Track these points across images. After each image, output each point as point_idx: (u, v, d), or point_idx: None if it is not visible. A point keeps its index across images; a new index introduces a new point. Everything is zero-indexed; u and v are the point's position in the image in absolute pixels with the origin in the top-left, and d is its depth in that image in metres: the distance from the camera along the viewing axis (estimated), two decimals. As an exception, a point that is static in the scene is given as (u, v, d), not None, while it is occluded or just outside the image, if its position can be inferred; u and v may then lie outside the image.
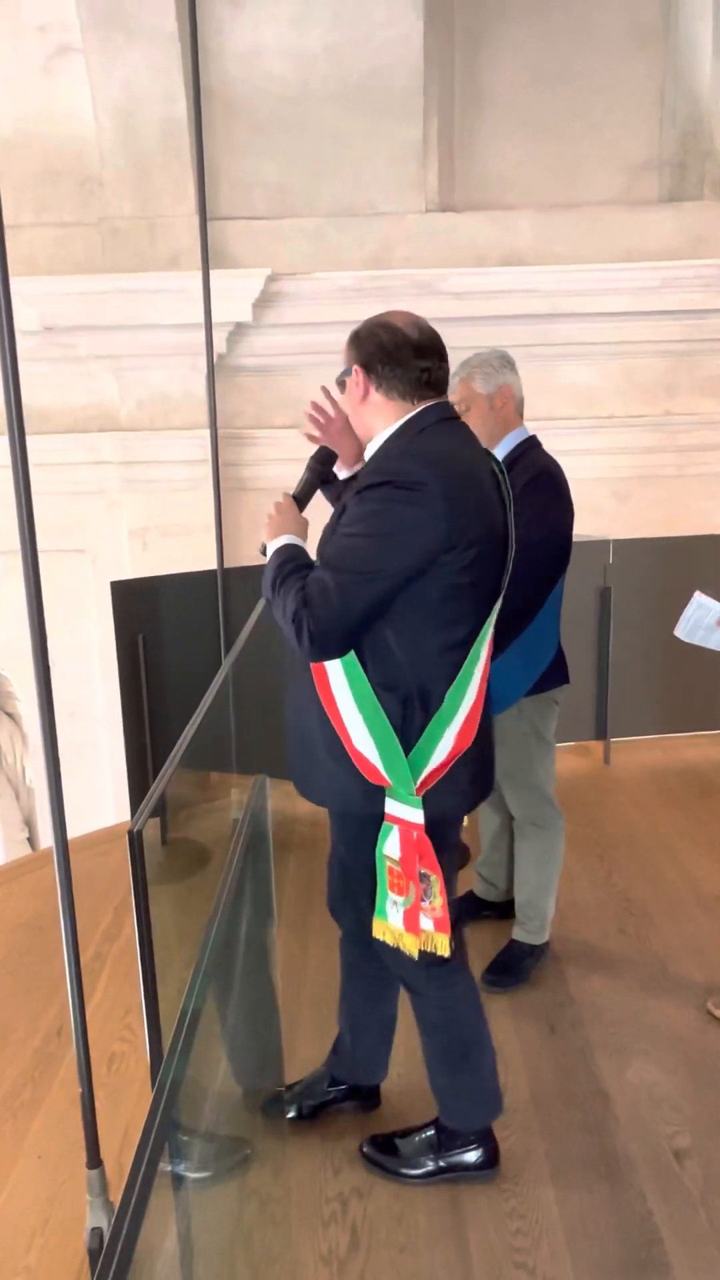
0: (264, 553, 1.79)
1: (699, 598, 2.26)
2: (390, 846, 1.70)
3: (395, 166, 4.44)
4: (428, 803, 1.69)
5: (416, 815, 1.67)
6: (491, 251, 4.53)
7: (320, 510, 1.87)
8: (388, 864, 1.73)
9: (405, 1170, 2.02)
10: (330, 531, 1.77)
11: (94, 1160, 1.79)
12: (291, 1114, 2.14)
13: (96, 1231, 1.66)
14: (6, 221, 1.51)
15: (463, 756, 1.73)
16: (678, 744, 4.28)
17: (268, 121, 4.38)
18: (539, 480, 2.36)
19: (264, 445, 4.58)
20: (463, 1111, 2.00)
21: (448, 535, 1.60)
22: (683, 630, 2.29)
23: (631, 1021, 2.50)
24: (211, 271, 3.59)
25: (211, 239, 4.04)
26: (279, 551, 1.74)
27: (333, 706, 1.70)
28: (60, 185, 4.46)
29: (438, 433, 1.70)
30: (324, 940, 2.92)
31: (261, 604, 3.07)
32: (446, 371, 1.77)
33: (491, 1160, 2.01)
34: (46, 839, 5.06)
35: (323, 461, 1.90)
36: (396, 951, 1.81)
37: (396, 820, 1.70)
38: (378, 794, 1.72)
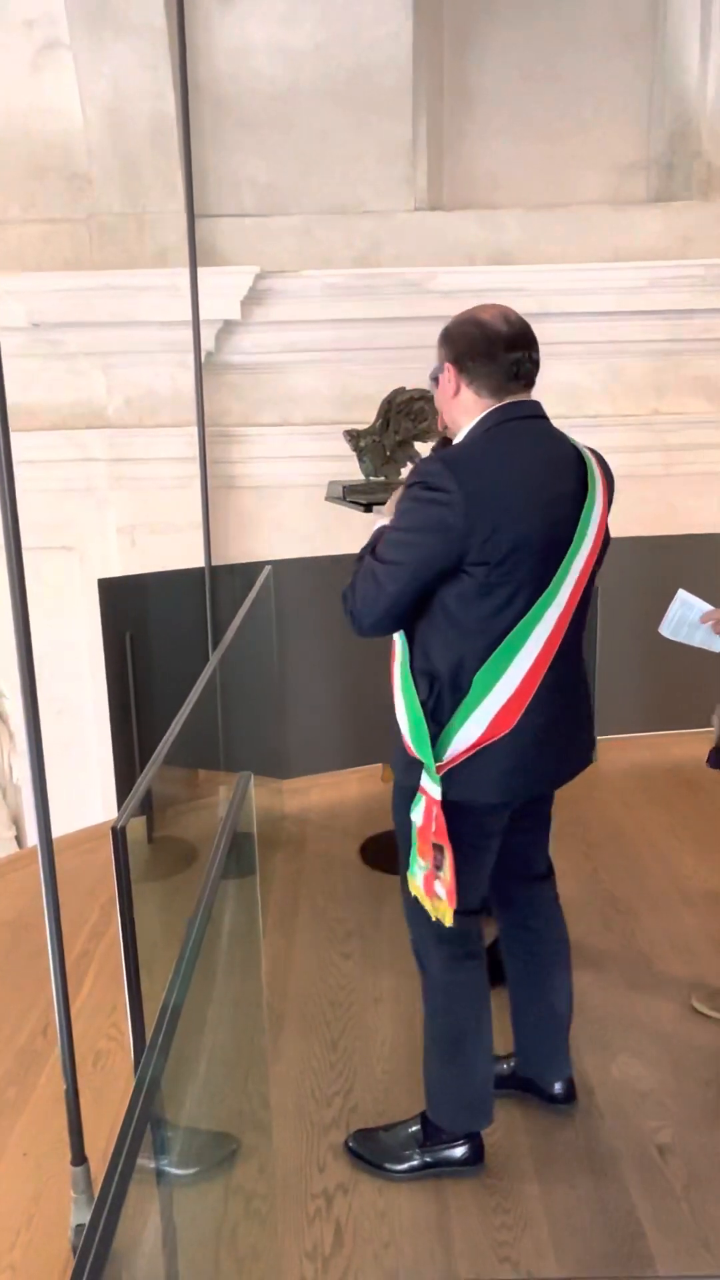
0: None
1: (682, 595, 2.27)
2: (416, 814, 1.82)
3: (384, 165, 4.44)
4: (451, 785, 1.78)
5: (436, 792, 1.78)
6: (480, 250, 4.53)
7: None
8: (415, 829, 1.84)
9: (389, 1165, 2.03)
10: None
11: (79, 1157, 1.79)
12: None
13: (81, 1229, 1.66)
14: (-9, 218, 1.51)
15: (493, 747, 1.76)
16: (664, 741, 4.30)
17: (256, 119, 4.37)
18: None
19: (252, 443, 4.57)
20: (448, 1110, 2.01)
21: (465, 539, 1.67)
22: (667, 628, 2.30)
23: (616, 1017, 2.51)
24: (200, 269, 3.59)
25: (200, 236, 4.03)
26: (373, 534, 1.88)
27: (392, 682, 1.87)
28: (48, 181, 4.44)
29: (501, 434, 1.76)
30: (309, 938, 2.93)
31: (249, 601, 3.07)
32: (537, 364, 1.83)
33: (477, 1156, 2.02)
34: (34, 837, 5.04)
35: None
36: (415, 922, 1.96)
37: (424, 792, 1.81)
38: (416, 767, 1.82)
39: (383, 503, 2.99)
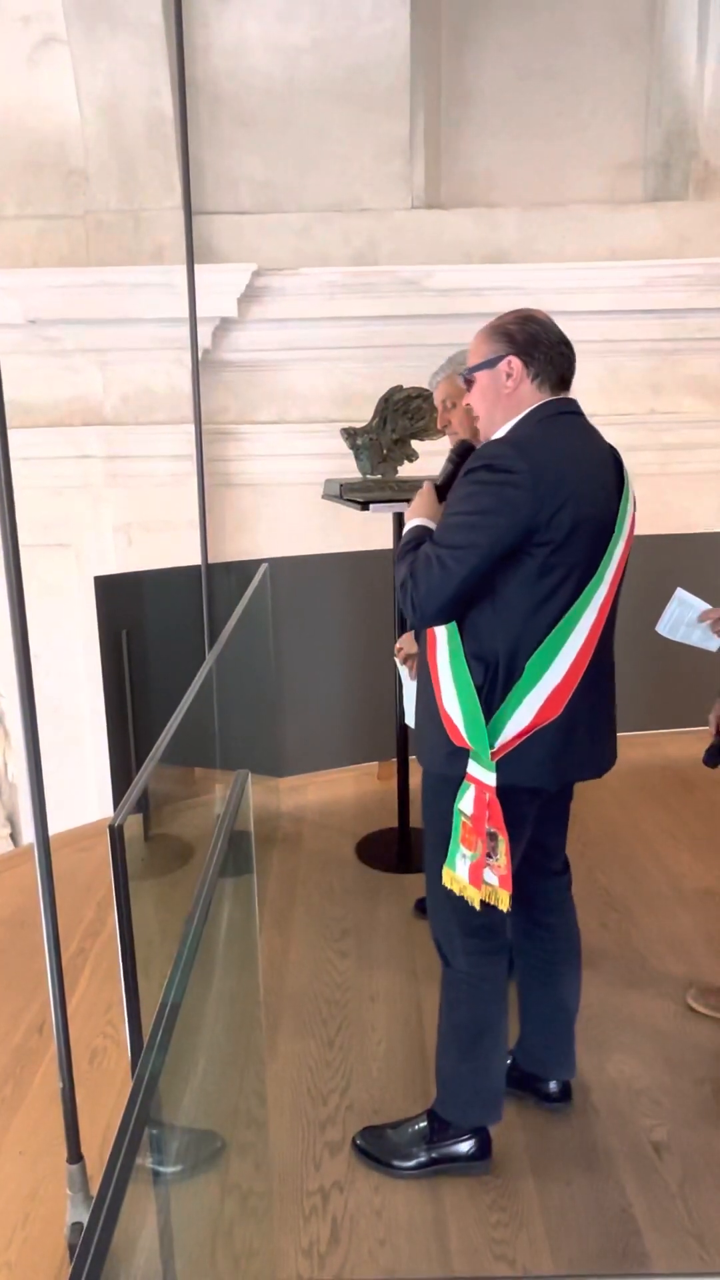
0: None
1: (681, 595, 2.28)
2: (465, 803, 1.82)
3: (381, 162, 4.43)
4: (500, 770, 1.78)
5: (490, 778, 1.78)
6: (477, 248, 4.54)
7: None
8: (461, 819, 1.83)
9: (396, 1162, 2.03)
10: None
11: (75, 1155, 1.79)
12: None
13: (77, 1226, 1.66)
14: (-12, 214, 1.51)
15: (542, 732, 1.79)
16: (660, 740, 4.31)
17: (253, 116, 4.37)
18: None
19: (249, 440, 4.57)
20: (459, 1105, 2.01)
21: (534, 516, 1.70)
22: (664, 627, 2.31)
23: (612, 1015, 2.52)
24: (196, 266, 3.58)
25: (197, 233, 4.03)
26: (408, 532, 1.91)
27: (435, 670, 1.86)
28: (44, 178, 4.43)
29: (555, 424, 1.80)
30: (306, 936, 2.93)
31: (245, 599, 3.07)
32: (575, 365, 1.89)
33: (484, 1152, 2.02)
34: (30, 835, 5.04)
35: (461, 454, 1.98)
36: (440, 914, 1.95)
37: (474, 780, 1.80)
38: (460, 757, 1.82)
39: (380, 501, 2.99)
